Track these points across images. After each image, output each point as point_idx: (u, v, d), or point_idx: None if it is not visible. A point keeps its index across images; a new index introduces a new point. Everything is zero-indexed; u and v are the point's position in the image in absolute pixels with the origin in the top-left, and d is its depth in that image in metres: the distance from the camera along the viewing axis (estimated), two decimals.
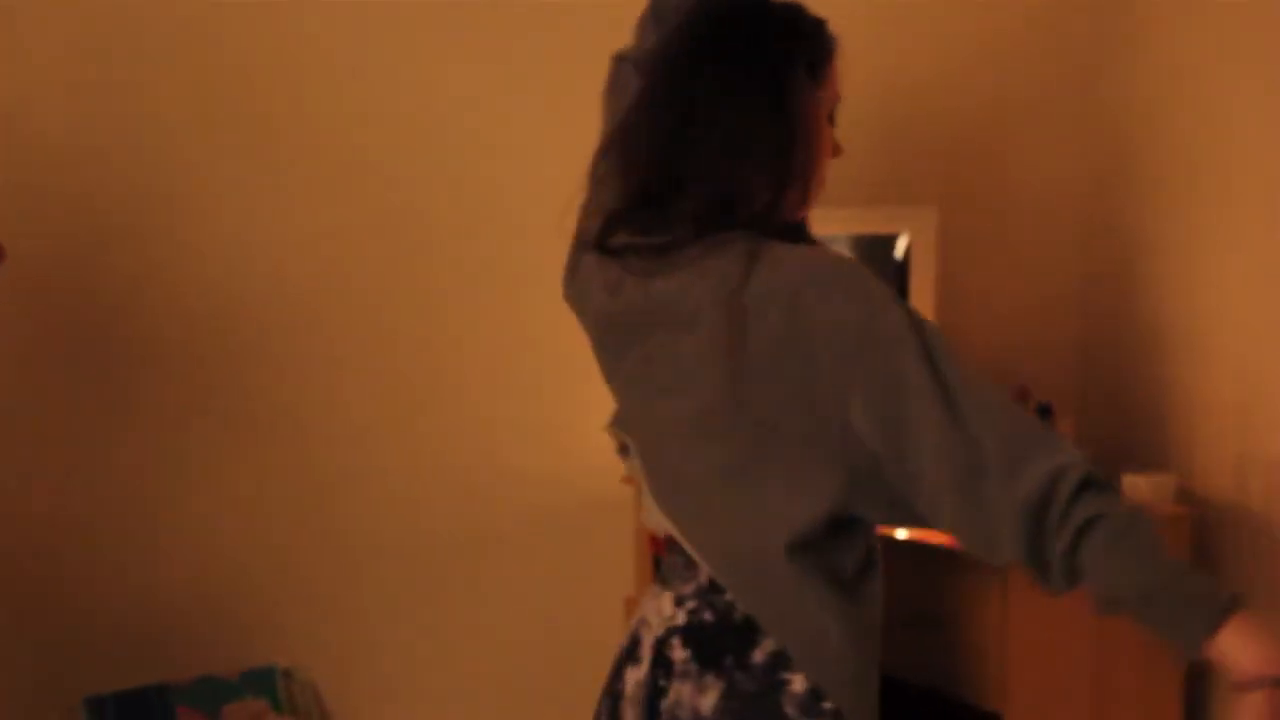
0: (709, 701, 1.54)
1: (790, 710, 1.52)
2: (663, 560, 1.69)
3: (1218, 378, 2.37)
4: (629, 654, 1.66)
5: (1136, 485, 2.37)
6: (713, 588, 1.58)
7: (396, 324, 2.54)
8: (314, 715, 2.48)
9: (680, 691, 1.56)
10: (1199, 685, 2.43)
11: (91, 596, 2.35)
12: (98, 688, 2.32)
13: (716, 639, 1.56)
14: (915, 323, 1.46)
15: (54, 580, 2.32)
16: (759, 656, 1.54)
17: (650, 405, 1.61)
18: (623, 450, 1.81)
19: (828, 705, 1.53)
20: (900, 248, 2.41)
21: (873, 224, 2.40)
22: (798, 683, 1.53)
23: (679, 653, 1.57)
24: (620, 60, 1.81)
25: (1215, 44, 2.38)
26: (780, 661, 1.53)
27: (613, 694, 1.66)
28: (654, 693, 1.58)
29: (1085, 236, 2.76)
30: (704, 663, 1.55)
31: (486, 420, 2.58)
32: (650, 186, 1.57)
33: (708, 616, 1.57)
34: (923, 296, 2.40)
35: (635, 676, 1.62)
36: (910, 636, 2.09)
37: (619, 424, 1.75)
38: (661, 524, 1.68)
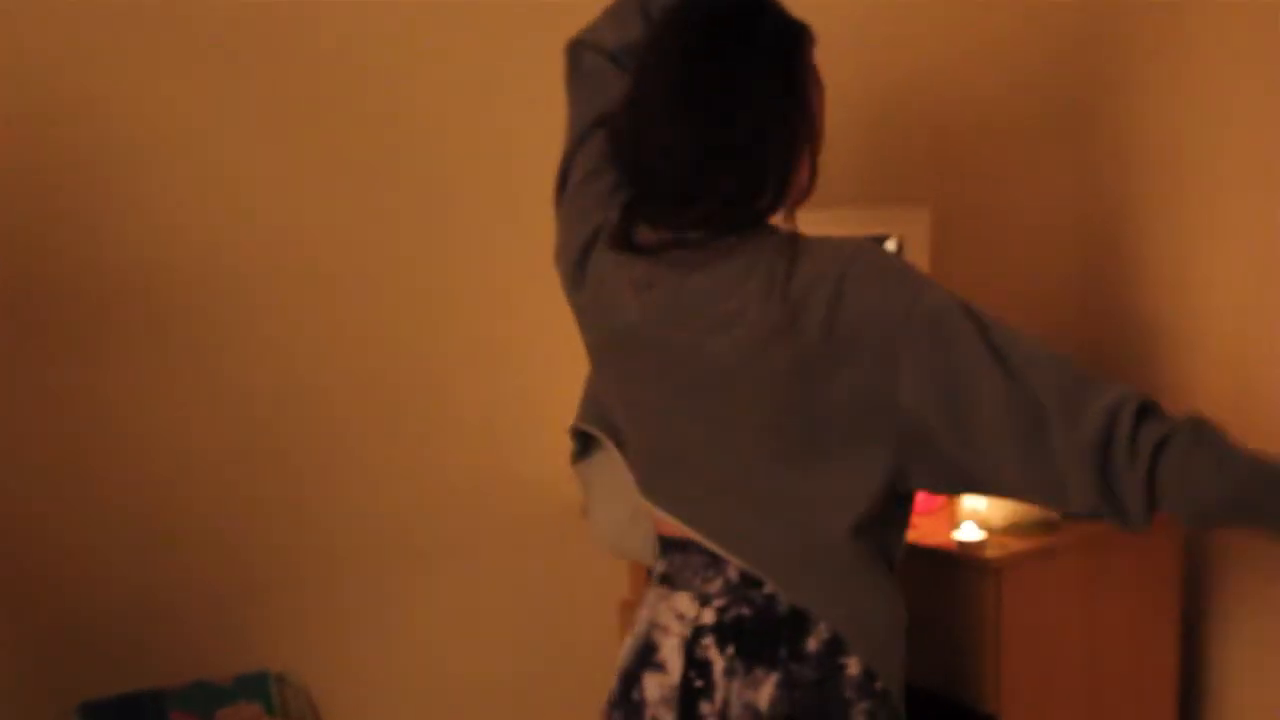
0: (765, 694, 1.54)
1: (850, 694, 1.55)
2: (667, 561, 1.66)
3: (1211, 376, 2.38)
4: (643, 661, 1.63)
5: None
6: (745, 582, 1.57)
7: (391, 323, 2.52)
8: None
9: (729, 689, 1.55)
10: (1192, 685, 2.43)
11: (85, 602, 2.33)
12: (92, 693, 2.30)
13: (760, 632, 1.56)
14: (953, 295, 1.48)
15: (47, 586, 2.31)
16: (813, 645, 1.55)
17: (670, 405, 1.59)
18: (581, 455, 1.80)
19: (879, 686, 1.56)
20: (892, 248, 2.40)
21: (865, 224, 2.38)
22: (853, 666, 1.55)
23: (718, 651, 1.57)
24: (583, 47, 1.77)
25: (1210, 45, 2.38)
26: (835, 647, 1.55)
27: (628, 704, 1.63)
28: (690, 696, 1.57)
29: (1078, 236, 2.76)
30: (751, 657, 1.55)
31: (480, 423, 2.56)
32: (667, 184, 1.55)
33: (745, 611, 1.57)
34: None
35: (662, 682, 1.60)
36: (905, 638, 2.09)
37: (601, 424, 1.73)
38: (617, 541, 1.74)
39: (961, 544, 2.13)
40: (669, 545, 1.66)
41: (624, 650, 1.69)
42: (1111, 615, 2.25)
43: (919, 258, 2.38)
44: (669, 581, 1.65)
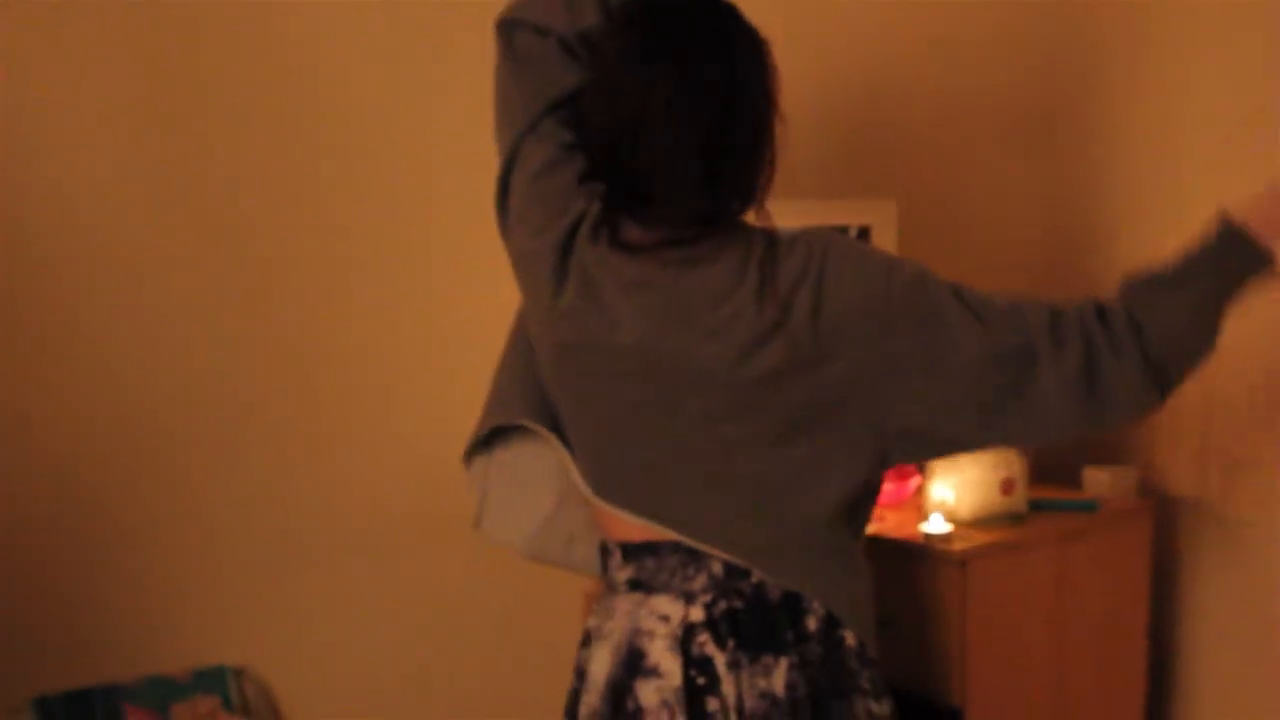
0: (778, 679, 1.55)
1: (853, 665, 1.60)
2: (635, 566, 1.62)
3: None
4: (633, 669, 1.59)
5: (1099, 478, 2.37)
6: (730, 574, 1.57)
7: (339, 313, 2.48)
8: (266, 714, 2.44)
9: (738, 682, 1.55)
10: (1162, 680, 2.44)
11: (37, 596, 2.29)
12: (44, 688, 2.26)
13: (758, 621, 1.56)
14: (918, 265, 1.53)
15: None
16: (813, 624, 1.57)
17: (652, 404, 1.55)
18: (480, 451, 1.76)
19: (869, 654, 1.62)
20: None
21: (831, 216, 2.37)
22: (849, 638, 1.59)
23: (717, 646, 1.56)
24: (519, 26, 1.69)
25: (1173, 50, 2.37)
26: (830, 623, 1.58)
27: (622, 715, 1.59)
28: (695, 695, 1.55)
29: (1045, 229, 2.75)
30: (756, 646, 1.56)
31: (443, 410, 2.45)
32: (666, 183, 1.53)
33: (736, 604, 1.57)
34: None
35: (660, 687, 1.57)
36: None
37: (541, 421, 1.67)
38: (533, 544, 1.77)
39: (928, 536, 2.12)
40: (634, 550, 1.63)
41: (597, 662, 1.64)
42: (1079, 609, 2.24)
43: (886, 250, 2.37)
44: (642, 586, 1.62)
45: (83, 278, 2.31)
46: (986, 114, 2.76)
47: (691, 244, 1.53)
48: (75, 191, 2.29)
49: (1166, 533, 2.40)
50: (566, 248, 1.58)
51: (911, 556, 2.13)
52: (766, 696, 1.54)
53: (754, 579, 1.57)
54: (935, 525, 2.14)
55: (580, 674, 1.69)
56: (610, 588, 1.68)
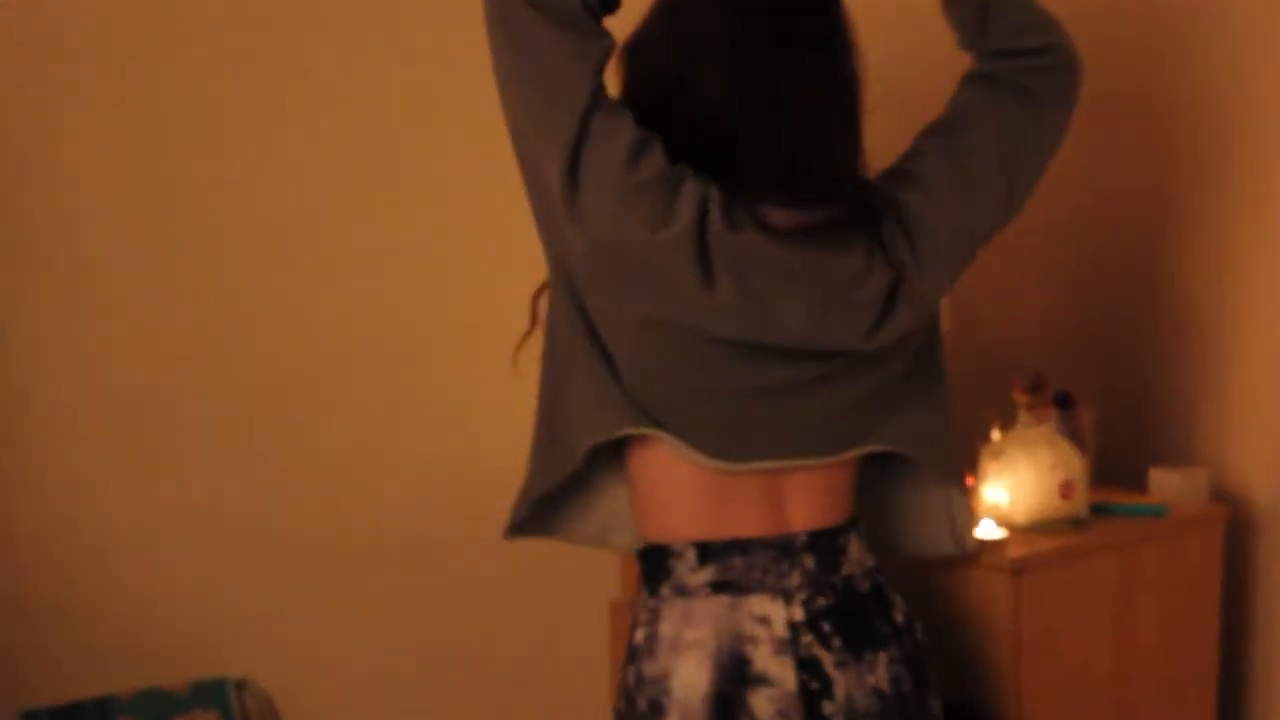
0: (882, 676, 1.54)
1: (924, 655, 1.62)
2: (719, 567, 1.53)
3: (1250, 363, 2.30)
4: (739, 678, 1.49)
5: (1166, 481, 2.29)
6: (821, 568, 1.54)
7: (359, 311, 2.47)
8: None
9: (848, 683, 1.52)
10: (1234, 700, 2.35)
11: (25, 603, 2.27)
12: (33, 701, 2.20)
13: (854, 616, 1.55)
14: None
15: None
16: (900, 617, 1.59)
17: (801, 375, 1.51)
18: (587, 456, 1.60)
19: (925, 642, 1.63)
20: None
21: None
22: (919, 631, 1.62)
23: (823, 646, 1.52)
24: None
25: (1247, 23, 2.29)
26: (909, 619, 1.61)
27: None
28: (811, 700, 1.50)
29: (1106, 209, 2.65)
30: (859, 643, 1.54)
31: (453, 416, 2.49)
32: (815, 164, 1.46)
33: (830, 600, 1.54)
34: None
35: (773, 696, 1.49)
36: None
37: (645, 421, 1.53)
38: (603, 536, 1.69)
39: (980, 543, 2.03)
40: (716, 550, 1.53)
41: (686, 675, 1.51)
42: (1144, 623, 2.17)
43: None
44: (730, 588, 1.52)
45: (85, 277, 2.31)
46: None
47: (844, 226, 1.47)
48: (72, 190, 2.30)
49: (1240, 540, 2.31)
50: (702, 238, 1.45)
51: (961, 564, 2.05)
52: (876, 694, 1.53)
53: (843, 572, 1.55)
54: (987, 530, 2.05)
55: (642, 686, 1.55)
56: (680, 592, 1.54)
